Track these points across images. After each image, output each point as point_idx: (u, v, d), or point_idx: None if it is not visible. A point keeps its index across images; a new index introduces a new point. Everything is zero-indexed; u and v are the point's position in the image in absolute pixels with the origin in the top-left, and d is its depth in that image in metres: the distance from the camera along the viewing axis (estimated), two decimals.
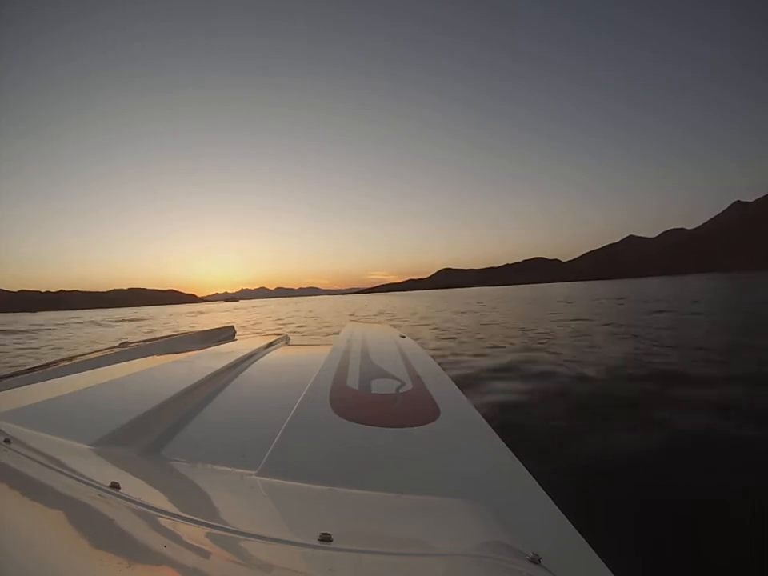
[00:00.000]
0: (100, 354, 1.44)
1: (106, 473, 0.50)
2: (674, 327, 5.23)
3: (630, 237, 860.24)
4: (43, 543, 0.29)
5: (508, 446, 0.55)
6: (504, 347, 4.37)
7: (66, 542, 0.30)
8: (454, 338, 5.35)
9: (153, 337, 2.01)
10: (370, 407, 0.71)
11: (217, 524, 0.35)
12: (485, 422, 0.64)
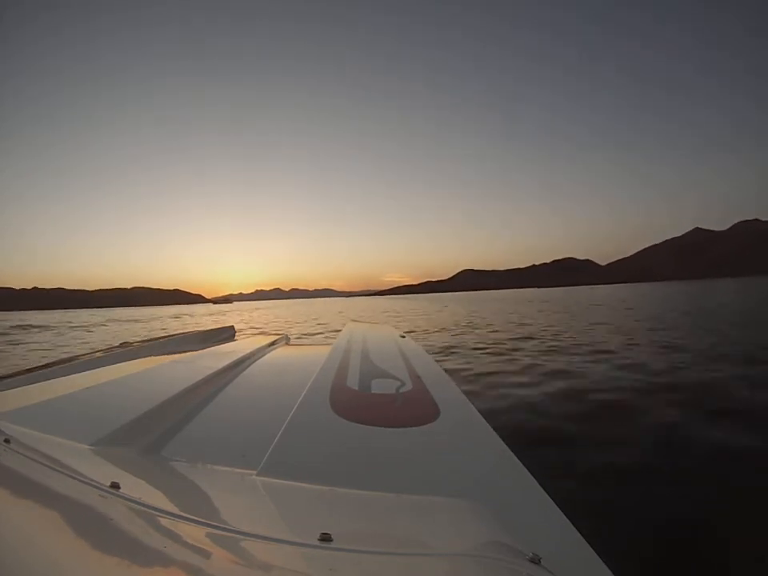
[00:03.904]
0: (100, 354, 1.54)
1: (106, 473, 0.53)
2: None
3: (696, 229, 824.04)
4: (43, 543, 0.31)
5: (508, 446, 0.59)
6: None
7: (66, 541, 0.32)
8: None
9: (153, 337, 2.15)
10: (370, 407, 0.76)
11: (217, 524, 0.37)
12: (485, 422, 0.68)
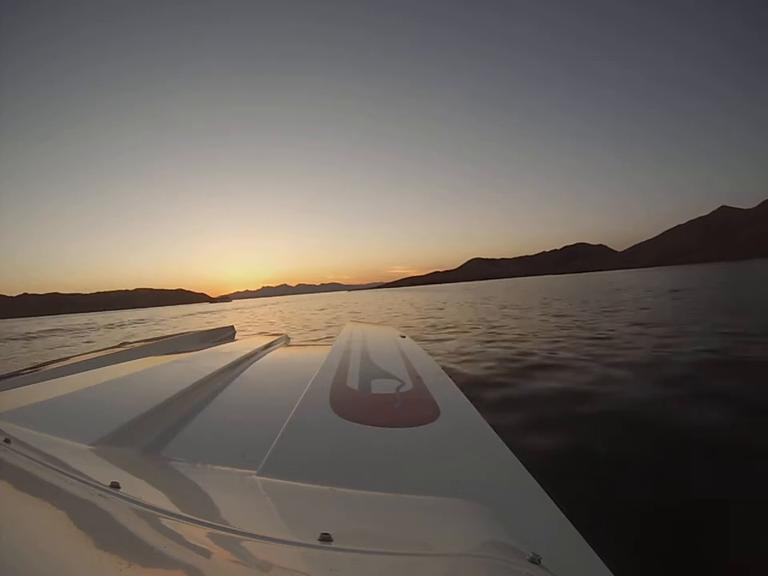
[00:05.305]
0: (100, 353, 1.58)
1: (106, 473, 0.55)
2: None
3: (723, 208, 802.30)
4: (43, 543, 0.32)
5: (508, 446, 0.61)
6: None
7: (66, 541, 0.33)
8: None
9: (153, 337, 2.22)
10: (370, 407, 0.78)
11: (217, 524, 0.38)
12: (485, 422, 0.70)
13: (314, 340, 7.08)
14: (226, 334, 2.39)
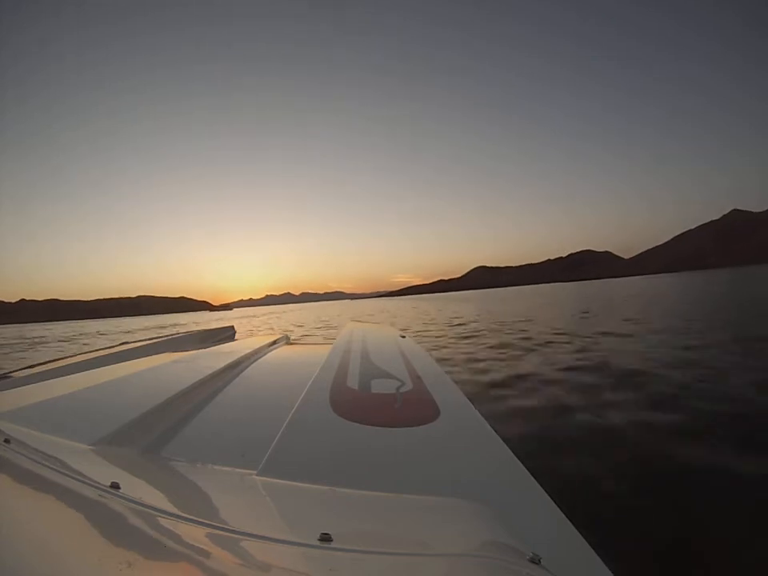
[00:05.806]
0: (100, 353, 1.61)
1: (106, 473, 0.56)
2: None
3: (735, 211, 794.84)
4: (43, 543, 0.32)
5: (508, 446, 0.61)
6: None
7: (66, 541, 0.33)
8: None
9: (153, 337, 2.23)
10: (370, 407, 0.78)
11: (217, 524, 0.38)
12: (485, 422, 0.71)
13: (314, 339, 7.09)
14: (226, 334, 2.41)
